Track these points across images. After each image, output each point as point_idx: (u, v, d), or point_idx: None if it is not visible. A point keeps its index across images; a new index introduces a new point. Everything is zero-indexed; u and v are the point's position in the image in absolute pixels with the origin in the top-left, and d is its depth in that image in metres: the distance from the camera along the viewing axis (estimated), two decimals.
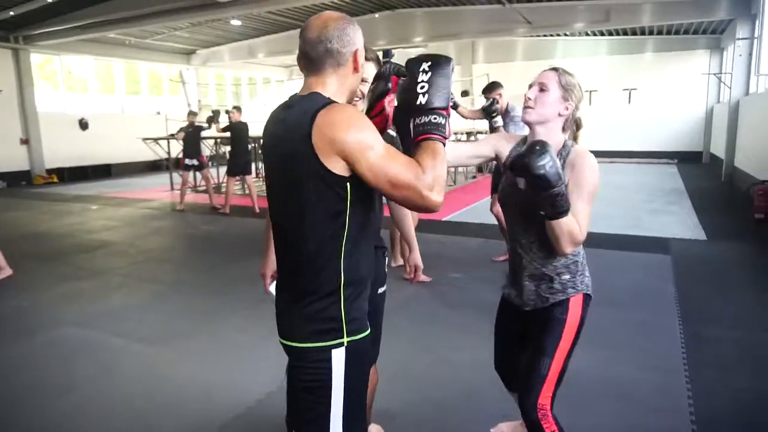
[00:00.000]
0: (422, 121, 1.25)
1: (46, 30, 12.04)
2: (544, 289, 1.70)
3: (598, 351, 3.08)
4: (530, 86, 1.69)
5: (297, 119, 1.23)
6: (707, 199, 8.71)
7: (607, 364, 2.95)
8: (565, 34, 15.19)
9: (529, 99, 1.66)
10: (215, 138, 10.72)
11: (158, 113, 14.74)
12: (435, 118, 1.24)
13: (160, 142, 11.06)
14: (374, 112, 1.39)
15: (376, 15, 12.46)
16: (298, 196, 1.25)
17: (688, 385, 2.69)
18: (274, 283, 1.95)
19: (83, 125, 14.28)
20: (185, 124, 8.67)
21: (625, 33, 15.17)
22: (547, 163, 1.44)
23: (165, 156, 11.16)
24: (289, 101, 1.33)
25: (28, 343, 3.40)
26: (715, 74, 14.01)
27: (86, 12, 11.10)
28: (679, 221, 6.85)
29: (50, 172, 13.32)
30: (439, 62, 1.27)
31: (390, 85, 1.37)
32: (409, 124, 1.28)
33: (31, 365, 3.11)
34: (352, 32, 1.31)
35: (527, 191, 1.58)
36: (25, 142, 13.05)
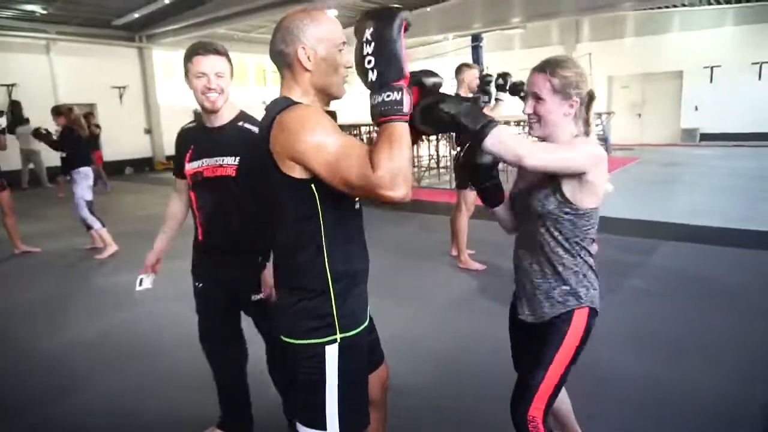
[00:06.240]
0: (376, 102, 1.11)
1: (166, 29, 13.20)
2: (544, 299, 1.57)
3: (676, 352, 2.89)
4: (525, 97, 1.55)
5: (262, 126, 1.24)
6: None
7: (681, 367, 2.74)
8: (683, 4, 13.76)
9: (530, 115, 1.53)
10: None
11: (263, 102, 15.49)
12: (389, 95, 1.09)
13: None
14: None
15: None
16: (273, 201, 1.27)
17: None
18: (143, 275, 2.07)
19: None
20: None
21: None
22: (441, 100, 1.23)
23: None
24: (266, 106, 1.31)
25: (128, 314, 3.88)
26: None
27: (197, 11, 12.01)
28: None
29: (169, 158, 14.69)
30: (381, 24, 1.08)
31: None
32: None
33: (130, 332, 3.58)
34: (298, 29, 1.23)
35: (524, 194, 1.54)
36: (148, 131, 14.51)
